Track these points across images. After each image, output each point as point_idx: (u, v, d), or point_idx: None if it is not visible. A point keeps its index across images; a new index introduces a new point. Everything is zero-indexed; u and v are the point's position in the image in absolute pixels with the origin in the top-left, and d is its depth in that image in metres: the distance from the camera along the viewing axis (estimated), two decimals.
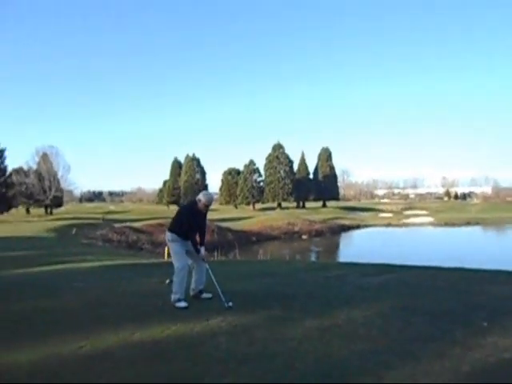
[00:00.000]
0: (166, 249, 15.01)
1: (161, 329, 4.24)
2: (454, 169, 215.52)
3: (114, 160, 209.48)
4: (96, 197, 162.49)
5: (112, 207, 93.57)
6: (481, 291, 5.74)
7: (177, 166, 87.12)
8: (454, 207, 76.16)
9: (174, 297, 5.18)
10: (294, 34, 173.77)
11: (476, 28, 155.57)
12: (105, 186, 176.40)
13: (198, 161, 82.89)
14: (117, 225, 37.12)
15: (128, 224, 38.50)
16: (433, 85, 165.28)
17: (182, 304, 5.10)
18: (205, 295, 5.54)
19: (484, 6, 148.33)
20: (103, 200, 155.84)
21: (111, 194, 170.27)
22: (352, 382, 2.96)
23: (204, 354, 3.54)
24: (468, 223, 55.36)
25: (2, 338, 4.11)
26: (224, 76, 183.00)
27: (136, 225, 37.84)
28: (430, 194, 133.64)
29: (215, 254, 12.45)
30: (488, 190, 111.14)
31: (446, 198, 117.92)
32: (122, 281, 7.17)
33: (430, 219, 60.42)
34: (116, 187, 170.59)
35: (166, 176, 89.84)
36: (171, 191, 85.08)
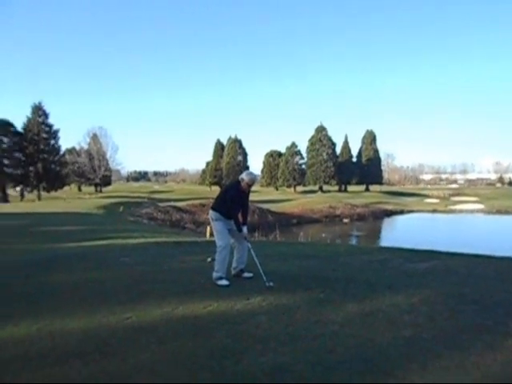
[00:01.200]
0: (208, 228, 15.31)
1: (203, 305, 4.33)
2: (508, 154, 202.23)
3: (159, 141, 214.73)
4: (142, 177, 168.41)
5: (156, 187, 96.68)
6: None
7: (219, 147, 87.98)
8: (507, 194, 71.71)
9: (215, 275, 5.27)
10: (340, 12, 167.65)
11: None
12: (150, 167, 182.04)
13: (240, 142, 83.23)
14: (161, 204, 38.26)
15: (171, 203, 39.58)
16: (487, 66, 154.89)
17: (224, 282, 5.18)
18: (246, 274, 5.60)
19: None
20: (148, 180, 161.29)
21: (156, 174, 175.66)
22: (395, 368, 2.88)
23: (244, 332, 3.58)
24: None
25: (55, 307, 4.37)
26: (267, 58, 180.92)
27: (179, 204, 38.86)
28: (481, 179, 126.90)
29: (256, 234, 12.52)
30: None
31: (498, 185, 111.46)
32: (166, 258, 7.39)
33: (480, 206, 57.41)
34: (160, 168, 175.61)
35: (209, 157, 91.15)
36: (213, 172, 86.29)
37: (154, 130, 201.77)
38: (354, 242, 28.81)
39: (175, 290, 4.97)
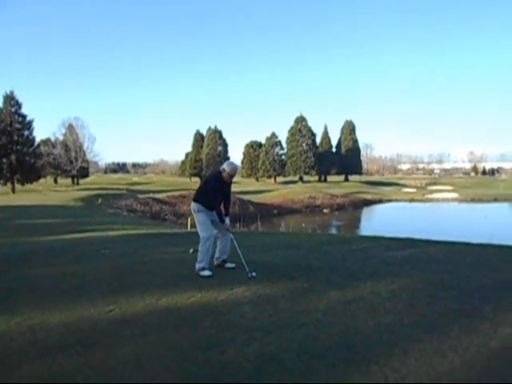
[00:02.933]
0: (190, 219, 15.24)
1: (186, 296, 4.31)
2: (482, 144, 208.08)
3: (138, 132, 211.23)
4: (120, 168, 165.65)
5: (136, 178, 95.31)
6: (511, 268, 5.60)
7: (199, 138, 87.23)
8: (481, 183, 73.88)
9: (198, 265, 5.25)
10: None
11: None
12: (128, 158, 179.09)
13: (220, 133, 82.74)
14: (140, 196, 37.79)
15: (151, 195, 39.13)
16: (463, 59, 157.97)
17: (207, 273, 5.17)
18: (228, 265, 5.60)
19: None
20: (127, 171, 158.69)
21: (135, 165, 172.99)
22: (378, 354, 2.95)
23: (229, 322, 3.59)
24: (495, 199, 53.75)
25: (35, 301, 4.28)
26: (247, 48, 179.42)
27: (159, 196, 38.44)
28: (456, 169, 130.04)
29: (237, 225, 12.53)
30: None
31: (472, 174, 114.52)
32: (148, 249, 7.32)
33: (455, 195, 58.93)
34: (139, 159, 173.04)
35: (189, 148, 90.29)
36: (193, 163, 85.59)
37: (132, 121, 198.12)
38: (334, 231, 29.15)
39: (158, 282, 4.93)
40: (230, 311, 3.88)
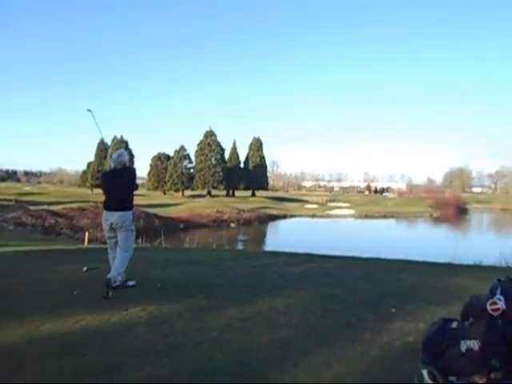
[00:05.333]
0: (87, 234, 14.21)
1: (73, 320, 3.97)
2: (374, 165, 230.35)
3: (31, 137, 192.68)
4: (9, 176, 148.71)
5: (27, 188, 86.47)
6: (393, 280, 6.18)
7: (103, 147, 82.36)
8: (373, 201, 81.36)
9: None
10: (225, 19, 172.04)
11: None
12: (19, 165, 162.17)
13: (126, 143, 79.26)
14: (32, 207, 34.35)
15: (45, 207, 35.80)
16: (360, 80, 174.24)
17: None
18: (129, 283, 5.31)
19: None
20: (18, 180, 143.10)
21: (27, 173, 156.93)
22: (270, 369, 3.01)
23: (120, 346, 3.38)
24: (384, 216, 59.60)
25: None
26: (157, 61, 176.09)
27: (55, 208, 35.32)
28: (353, 187, 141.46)
29: (139, 240, 12.00)
30: (403, 186, 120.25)
31: (366, 192, 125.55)
32: (34, 268, 6.61)
33: (351, 211, 63.99)
34: (32, 167, 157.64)
35: (91, 157, 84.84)
36: (96, 174, 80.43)
37: (25, 123, 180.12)
38: (240, 246, 29.56)
39: (42, 305, 4.46)
40: (122, 334, 3.66)
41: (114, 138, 79.71)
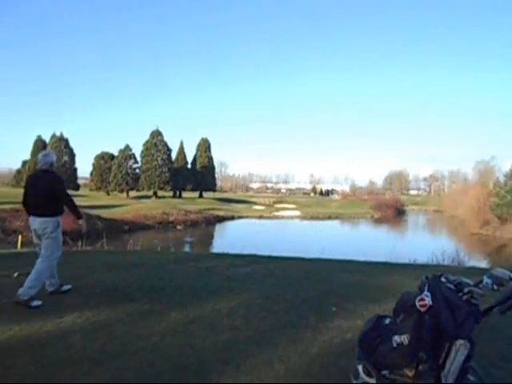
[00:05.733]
0: (20, 237, 13.30)
1: (1, 330, 3.69)
2: (320, 167, 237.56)
3: None
4: None
5: None
6: (334, 279, 6.39)
7: (41, 145, 77.52)
8: (318, 202, 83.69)
9: (28, 292, 4.43)
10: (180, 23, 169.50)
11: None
12: None
13: (66, 141, 75.24)
14: None
15: None
16: (306, 84, 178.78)
17: (38, 302, 4.47)
18: (65, 287, 5.03)
19: None
20: None
21: None
22: (212, 372, 2.99)
23: (52, 356, 3.19)
24: (329, 217, 61.58)
25: None
26: (99, 56, 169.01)
27: None
28: (299, 189, 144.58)
29: (79, 243, 11.44)
30: (347, 188, 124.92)
31: (312, 194, 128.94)
32: None
33: (297, 213, 65.39)
34: None
35: (27, 155, 79.61)
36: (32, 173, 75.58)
37: None
38: (186, 248, 29.12)
39: None
40: (55, 343, 3.45)
41: (53, 135, 75.44)
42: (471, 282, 2.50)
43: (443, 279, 2.57)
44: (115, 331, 3.78)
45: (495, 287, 2.40)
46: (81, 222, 5.00)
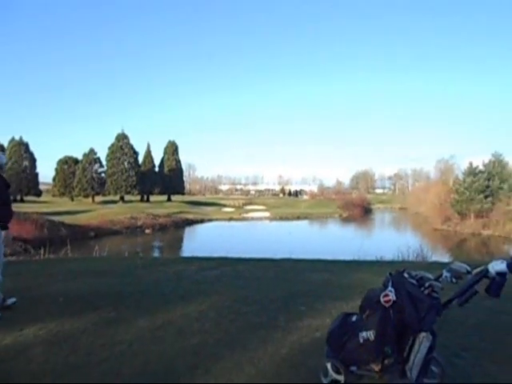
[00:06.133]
0: None
1: None
2: (288, 168, 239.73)
3: None
4: None
5: None
6: (303, 279, 6.45)
7: None
8: (287, 203, 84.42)
9: None
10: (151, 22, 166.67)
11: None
12: None
13: (26, 146, 72.33)
14: None
15: None
16: (270, 87, 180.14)
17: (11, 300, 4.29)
18: (10, 300, 4.69)
19: None
20: None
21: None
22: (180, 377, 2.94)
23: (11, 370, 3.05)
24: (298, 217, 62.25)
25: None
26: (65, 57, 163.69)
27: None
28: (268, 190, 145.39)
29: (41, 251, 11.01)
30: (315, 188, 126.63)
31: (281, 195, 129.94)
32: None
33: (267, 214, 65.71)
34: None
35: None
36: None
37: None
38: (156, 253, 28.65)
39: None
40: (14, 357, 3.30)
41: (12, 139, 72.33)
42: (432, 277, 2.59)
43: (406, 275, 2.65)
44: (79, 342, 3.65)
45: (454, 280, 2.50)
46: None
